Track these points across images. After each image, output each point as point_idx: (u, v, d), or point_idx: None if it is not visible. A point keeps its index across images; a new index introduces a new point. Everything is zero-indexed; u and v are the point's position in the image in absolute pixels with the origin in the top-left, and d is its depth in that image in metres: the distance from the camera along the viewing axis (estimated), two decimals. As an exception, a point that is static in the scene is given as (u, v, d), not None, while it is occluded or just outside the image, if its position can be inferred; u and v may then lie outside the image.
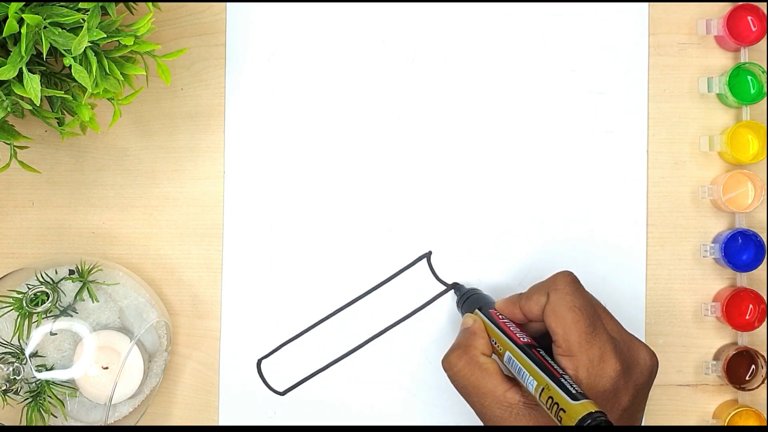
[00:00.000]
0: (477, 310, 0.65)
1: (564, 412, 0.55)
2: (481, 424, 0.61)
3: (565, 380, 0.56)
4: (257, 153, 0.71)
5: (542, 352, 0.59)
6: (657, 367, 0.60)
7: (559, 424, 0.55)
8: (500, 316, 0.63)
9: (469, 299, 0.67)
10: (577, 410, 0.54)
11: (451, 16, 0.71)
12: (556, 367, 0.58)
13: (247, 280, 0.70)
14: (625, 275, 0.70)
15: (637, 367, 0.59)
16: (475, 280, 0.70)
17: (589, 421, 0.53)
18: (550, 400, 0.56)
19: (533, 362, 0.58)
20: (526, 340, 0.60)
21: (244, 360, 0.70)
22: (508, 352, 0.60)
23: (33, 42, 0.55)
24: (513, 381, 0.60)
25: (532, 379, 0.58)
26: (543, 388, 0.57)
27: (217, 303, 0.71)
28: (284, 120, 0.71)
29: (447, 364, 0.62)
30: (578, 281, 0.61)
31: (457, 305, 0.69)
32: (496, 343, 0.62)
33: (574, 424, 0.54)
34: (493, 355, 0.62)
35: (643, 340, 0.69)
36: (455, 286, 0.70)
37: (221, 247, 0.71)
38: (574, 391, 0.55)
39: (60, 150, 0.71)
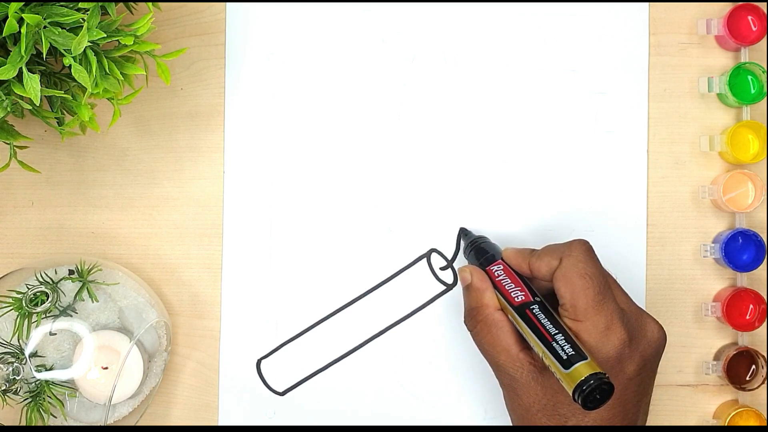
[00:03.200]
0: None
1: (563, 380, 0.55)
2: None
3: (557, 343, 0.56)
4: (257, 153, 0.71)
5: (535, 311, 0.59)
6: (665, 341, 0.61)
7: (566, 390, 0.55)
8: (497, 274, 0.63)
9: (476, 247, 0.66)
10: (572, 377, 0.54)
11: (451, 16, 0.71)
12: (549, 327, 0.57)
13: (246, 280, 0.70)
14: (625, 275, 0.70)
15: (644, 338, 0.59)
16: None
17: (586, 385, 0.53)
18: (551, 366, 0.56)
19: (527, 325, 0.58)
20: (520, 299, 0.60)
21: (243, 360, 0.70)
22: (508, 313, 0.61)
23: (33, 42, 0.55)
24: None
25: (533, 344, 0.58)
26: (542, 354, 0.57)
27: (216, 303, 0.70)
28: (284, 120, 0.71)
29: (467, 326, 0.63)
30: (593, 251, 0.61)
31: (464, 252, 0.68)
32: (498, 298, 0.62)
33: (571, 394, 0.54)
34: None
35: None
36: (462, 232, 0.69)
37: (221, 247, 0.70)
38: (565, 356, 0.55)
39: (60, 150, 0.71)
